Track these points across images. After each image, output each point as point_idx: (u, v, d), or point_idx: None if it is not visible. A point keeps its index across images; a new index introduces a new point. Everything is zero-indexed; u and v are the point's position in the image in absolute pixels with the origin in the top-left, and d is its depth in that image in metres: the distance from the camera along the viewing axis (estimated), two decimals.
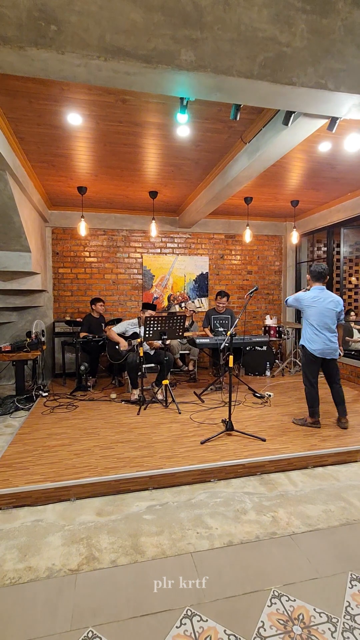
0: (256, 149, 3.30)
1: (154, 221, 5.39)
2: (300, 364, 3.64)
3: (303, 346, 3.58)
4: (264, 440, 3.18)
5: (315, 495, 2.52)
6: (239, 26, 1.90)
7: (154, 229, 5.36)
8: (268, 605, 1.62)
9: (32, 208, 4.72)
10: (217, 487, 2.63)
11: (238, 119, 2.48)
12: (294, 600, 1.65)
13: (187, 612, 1.59)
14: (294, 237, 5.83)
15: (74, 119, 3.03)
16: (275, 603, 1.64)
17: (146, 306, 4.67)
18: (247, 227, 5.79)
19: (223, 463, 2.77)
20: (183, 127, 3.13)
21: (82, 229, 5.05)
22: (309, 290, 3.60)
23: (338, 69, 2.08)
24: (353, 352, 5.65)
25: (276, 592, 1.70)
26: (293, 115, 2.55)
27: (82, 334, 5.08)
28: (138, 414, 3.96)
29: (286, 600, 1.65)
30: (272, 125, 3.00)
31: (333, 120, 2.51)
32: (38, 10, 1.65)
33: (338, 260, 6.02)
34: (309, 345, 3.52)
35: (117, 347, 4.53)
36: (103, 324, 5.45)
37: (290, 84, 2.01)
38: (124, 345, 4.43)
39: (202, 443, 3.14)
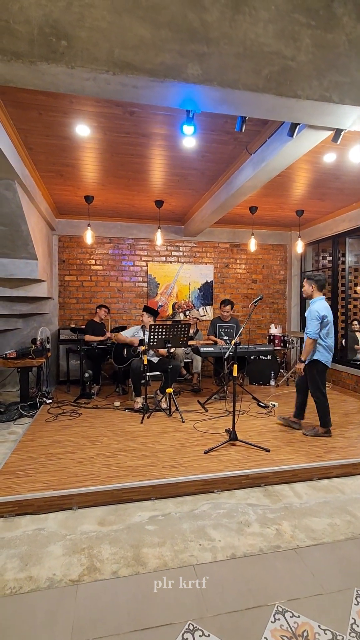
0: (261, 160, 3.34)
1: (159, 230, 5.44)
2: (309, 379, 3.51)
3: (316, 361, 3.42)
4: (268, 450, 3.15)
5: (320, 508, 2.48)
6: (244, 41, 1.94)
7: (159, 238, 5.40)
8: (272, 621, 1.59)
9: (39, 216, 4.79)
10: (221, 498, 2.60)
11: (243, 130, 2.51)
12: (298, 617, 1.61)
13: (188, 626, 1.56)
14: (299, 247, 5.84)
15: (82, 130, 3.09)
16: (279, 619, 1.60)
17: (146, 309, 4.68)
18: (252, 236, 5.82)
19: (227, 473, 2.74)
20: (189, 139, 3.16)
21: (89, 237, 5.11)
22: (313, 299, 3.51)
23: (343, 82, 2.11)
24: (359, 363, 5.60)
25: (280, 607, 1.66)
26: (298, 127, 2.58)
27: (88, 337, 5.10)
28: (141, 423, 3.94)
29: (290, 617, 1.61)
30: (277, 136, 3.03)
31: (338, 131, 2.53)
32: (49, 26, 1.70)
33: (343, 269, 6.01)
34: (324, 359, 3.42)
35: (123, 350, 4.55)
36: (105, 330, 5.46)
37: (295, 96, 2.04)
38: (135, 342, 4.51)
39: (205, 453, 3.11)
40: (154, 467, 2.84)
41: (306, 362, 3.47)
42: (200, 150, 3.51)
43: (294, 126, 2.56)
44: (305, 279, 3.61)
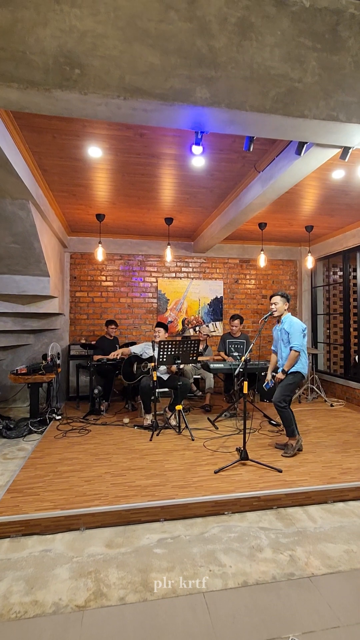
0: (270, 177, 3.37)
1: (169, 246, 5.50)
2: (282, 386, 3.52)
3: (297, 372, 3.50)
4: (280, 471, 3.06)
5: (336, 533, 2.37)
6: (251, 65, 1.99)
7: (169, 254, 5.45)
8: None
9: (52, 234, 4.90)
10: (232, 521, 2.52)
11: (252, 150, 2.55)
12: None
13: None
14: (309, 262, 5.81)
15: (95, 152, 3.19)
16: None
17: (159, 325, 4.69)
18: (262, 252, 5.83)
19: (237, 495, 2.66)
20: (198, 158, 3.23)
21: (100, 254, 5.19)
22: (287, 315, 3.62)
23: (350, 101, 2.14)
24: None
25: None
26: (305, 145, 2.61)
27: (96, 357, 5.11)
28: (150, 440, 3.89)
29: None
30: (285, 154, 3.07)
31: (345, 149, 2.55)
32: (64, 56, 1.78)
33: (355, 284, 5.95)
34: (304, 371, 3.53)
35: (133, 367, 4.54)
36: (117, 346, 5.47)
37: (302, 116, 2.07)
38: (126, 351, 4.56)
39: (215, 472, 3.04)
40: (163, 487, 2.78)
41: (287, 373, 3.53)
42: (209, 169, 3.57)
43: (301, 145, 2.59)
44: (279, 296, 3.65)
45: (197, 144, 2.47)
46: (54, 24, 1.74)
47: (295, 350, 3.43)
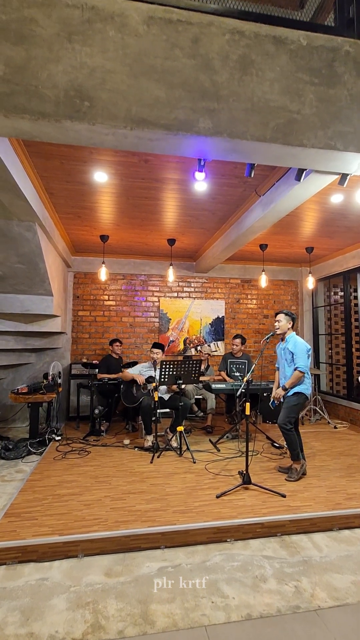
0: (270, 201, 3.46)
1: (171, 266, 5.57)
2: (286, 408, 3.48)
3: (301, 393, 3.46)
4: (284, 496, 2.99)
5: (343, 563, 2.30)
6: (252, 98, 2.08)
7: (171, 274, 5.52)
8: None
9: (56, 255, 4.98)
10: (234, 549, 2.44)
11: (252, 176, 2.63)
12: None
13: None
14: (310, 283, 5.87)
15: (100, 177, 3.29)
16: None
17: (155, 345, 4.66)
18: (263, 273, 5.90)
19: (240, 521, 2.59)
20: (200, 183, 3.33)
21: (103, 274, 5.26)
22: (291, 335, 3.60)
23: (347, 131, 2.22)
24: None
25: None
26: (305, 172, 2.70)
27: (100, 376, 5.09)
28: (151, 462, 3.82)
29: None
30: (285, 180, 3.16)
31: (344, 176, 2.63)
32: (74, 89, 1.87)
33: (356, 305, 5.98)
34: (308, 392, 3.49)
35: (133, 388, 4.50)
36: (121, 366, 5.46)
37: (301, 145, 2.15)
38: (141, 380, 4.42)
39: (218, 497, 2.97)
40: (164, 512, 2.71)
41: (289, 394, 3.49)
42: (211, 193, 3.67)
43: (300, 171, 2.68)
44: (283, 314, 3.64)
45: (200, 170, 2.56)
46: (66, 60, 1.84)
47: (300, 371, 3.41)
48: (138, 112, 1.94)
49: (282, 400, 3.57)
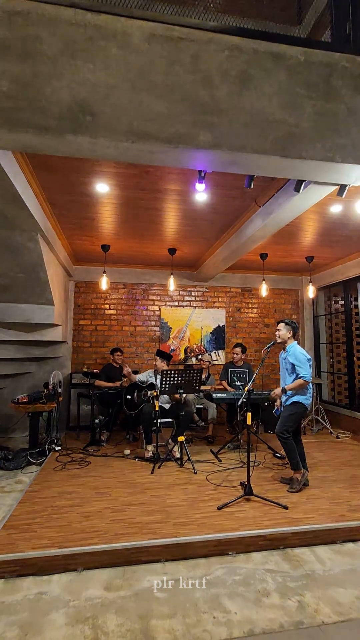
0: (270, 212, 3.49)
1: (172, 275, 5.60)
2: (284, 417, 3.47)
3: (300, 403, 3.44)
4: (286, 507, 2.95)
5: (346, 577, 2.26)
6: (251, 112, 2.12)
7: (172, 283, 5.54)
8: None
9: (58, 264, 5.02)
10: (236, 562, 2.40)
11: (252, 187, 2.67)
12: None
13: None
14: (310, 292, 5.89)
15: (102, 188, 3.33)
16: None
17: (160, 354, 4.65)
18: (263, 282, 5.92)
19: (242, 533, 2.55)
20: (201, 194, 3.38)
21: (104, 283, 5.29)
22: (291, 345, 3.57)
23: (344, 143, 2.26)
24: None
25: None
26: (304, 183, 2.73)
27: (98, 382, 5.07)
28: (152, 473, 3.79)
29: None
30: (285, 191, 3.20)
31: (342, 186, 2.66)
32: (77, 104, 1.91)
33: (357, 314, 5.98)
34: (307, 402, 3.47)
35: (134, 394, 4.50)
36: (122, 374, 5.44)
37: (299, 157, 2.18)
38: (133, 378, 4.51)
39: (219, 509, 2.93)
40: (165, 524, 2.68)
41: (287, 402, 3.47)
42: (211, 203, 3.71)
43: (300, 182, 2.71)
44: (283, 323, 3.63)
45: (200, 181, 2.59)
46: (69, 76, 1.89)
47: (305, 380, 3.38)
48: (139, 126, 1.97)
49: (281, 407, 3.57)
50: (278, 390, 3.53)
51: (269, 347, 3.59)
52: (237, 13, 2.31)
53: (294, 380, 3.45)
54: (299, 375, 3.42)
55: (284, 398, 3.53)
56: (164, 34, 2.02)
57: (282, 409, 3.61)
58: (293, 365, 3.47)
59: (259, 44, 2.15)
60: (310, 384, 3.49)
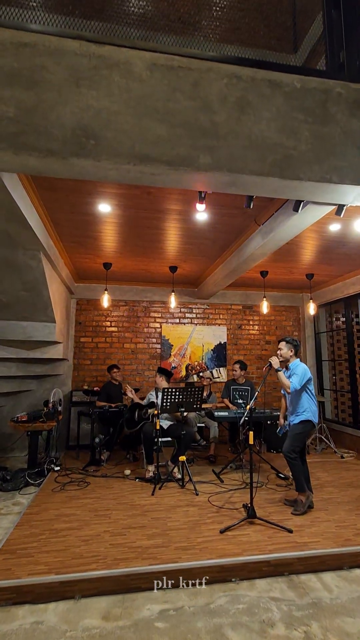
0: (269, 231, 3.54)
1: (173, 293, 5.63)
2: (292, 436, 3.41)
3: (309, 421, 3.39)
4: (290, 531, 2.86)
5: (355, 606, 2.16)
6: (250, 136, 2.18)
7: (173, 301, 5.57)
8: None
9: (60, 282, 5.06)
10: (239, 589, 2.32)
11: (252, 207, 2.72)
12: None
13: None
14: (311, 309, 5.90)
15: (104, 207, 3.40)
16: None
17: (161, 371, 4.64)
18: (264, 299, 5.94)
19: (246, 558, 2.47)
20: (201, 214, 3.44)
21: (105, 300, 5.32)
22: (295, 362, 3.55)
23: (341, 165, 2.31)
24: None
25: None
26: (302, 203, 2.78)
27: (99, 404, 5.02)
28: (152, 494, 3.70)
29: None
30: (284, 210, 3.25)
31: (340, 206, 2.71)
32: (81, 129, 1.97)
33: (358, 330, 5.97)
34: (314, 419, 3.43)
35: (135, 413, 4.45)
36: (122, 392, 5.40)
37: (297, 179, 2.23)
38: (135, 398, 4.51)
39: (221, 532, 2.85)
40: (166, 549, 2.60)
41: (295, 421, 3.41)
42: (211, 222, 3.77)
43: (298, 202, 2.76)
44: (284, 342, 3.62)
45: (201, 202, 2.64)
46: (73, 103, 1.96)
47: (289, 386, 3.34)
48: (141, 149, 2.03)
49: (287, 427, 3.52)
50: (278, 367, 3.44)
51: (270, 365, 3.55)
52: (235, 42, 2.42)
53: (300, 401, 3.41)
54: (290, 380, 3.39)
55: (292, 417, 3.48)
56: (165, 63, 2.10)
57: (287, 428, 3.55)
58: (292, 376, 3.45)
59: (257, 72, 2.23)
60: (313, 400, 3.44)
